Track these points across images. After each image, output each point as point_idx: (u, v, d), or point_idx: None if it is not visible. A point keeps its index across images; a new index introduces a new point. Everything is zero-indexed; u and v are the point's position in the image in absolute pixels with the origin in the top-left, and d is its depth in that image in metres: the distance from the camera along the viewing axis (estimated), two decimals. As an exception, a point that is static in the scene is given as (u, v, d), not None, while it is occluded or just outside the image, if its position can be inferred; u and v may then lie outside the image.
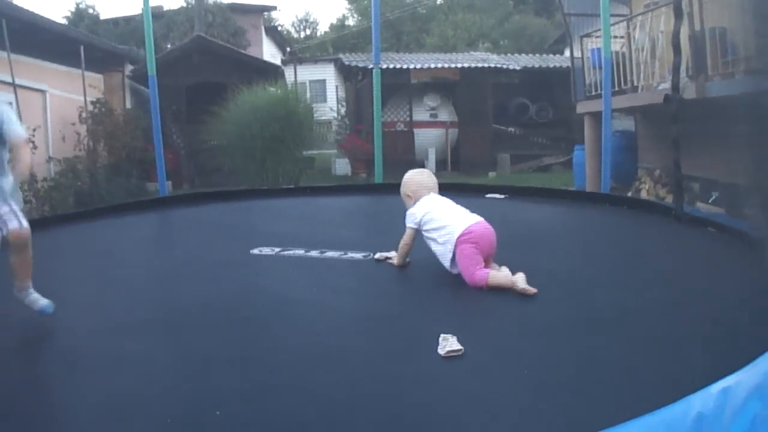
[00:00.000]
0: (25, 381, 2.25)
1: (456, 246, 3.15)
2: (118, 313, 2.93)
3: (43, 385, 2.24)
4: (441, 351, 2.28)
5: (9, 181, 2.72)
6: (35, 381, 2.26)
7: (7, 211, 2.62)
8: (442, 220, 3.27)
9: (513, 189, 6.16)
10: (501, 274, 3.07)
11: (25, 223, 2.64)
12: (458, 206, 3.41)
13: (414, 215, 3.40)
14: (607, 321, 2.66)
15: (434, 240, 3.29)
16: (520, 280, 2.98)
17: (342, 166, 16.20)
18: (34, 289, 2.72)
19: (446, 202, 3.44)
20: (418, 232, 3.40)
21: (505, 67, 17.28)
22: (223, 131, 11.91)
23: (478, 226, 3.21)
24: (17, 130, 2.75)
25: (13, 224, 2.59)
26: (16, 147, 2.73)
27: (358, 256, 3.65)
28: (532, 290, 2.93)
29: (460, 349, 2.27)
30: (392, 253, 3.52)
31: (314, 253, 3.73)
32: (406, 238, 3.43)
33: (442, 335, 2.34)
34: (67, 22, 20.40)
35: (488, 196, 5.77)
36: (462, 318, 2.80)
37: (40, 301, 2.66)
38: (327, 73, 23.41)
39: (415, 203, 3.46)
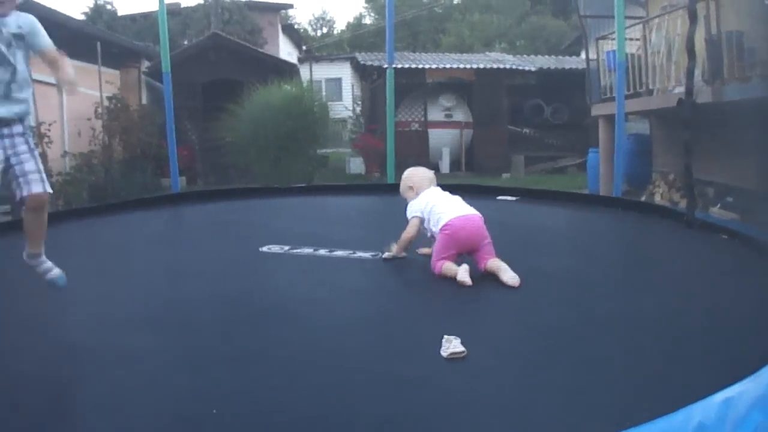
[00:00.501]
0: (29, 373, 2.27)
1: (438, 233, 3.30)
2: (124, 308, 2.95)
3: (47, 378, 2.25)
4: (444, 353, 2.26)
5: (30, 93, 2.49)
6: (39, 373, 2.27)
7: (33, 169, 2.37)
8: (441, 209, 3.36)
9: (524, 191, 6.18)
10: (453, 267, 3.15)
11: (48, 186, 2.43)
12: (457, 198, 3.48)
13: (418, 204, 3.45)
14: (610, 326, 2.64)
15: (431, 228, 3.38)
16: (461, 272, 3.09)
17: (356, 165, 16.21)
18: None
19: (446, 194, 3.51)
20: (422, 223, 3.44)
21: (520, 68, 17.21)
22: (238, 128, 11.95)
23: (459, 219, 3.28)
24: (47, 41, 2.53)
25: (37, 188, 2.36)
26: (52, 59, 2.49)
27: (367, 255, 3.66)
28: (468, 281, 3.03)
29: (463, 351, 2.26)
30: (393, 246, 3.55)
31: (323, 252, 3.75)
32: (410, 229, 3.46)
33: (445, 336, 2.33)
34: (85, 18, 20.60)
35: (499, 198, 5.78)
36: (466, 319, 2.79)
37: (53, 271, 2.42)
38: (343, 71, 23.50)
39: (417, 195, 3.52)
